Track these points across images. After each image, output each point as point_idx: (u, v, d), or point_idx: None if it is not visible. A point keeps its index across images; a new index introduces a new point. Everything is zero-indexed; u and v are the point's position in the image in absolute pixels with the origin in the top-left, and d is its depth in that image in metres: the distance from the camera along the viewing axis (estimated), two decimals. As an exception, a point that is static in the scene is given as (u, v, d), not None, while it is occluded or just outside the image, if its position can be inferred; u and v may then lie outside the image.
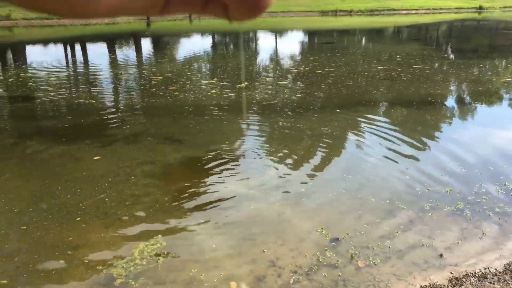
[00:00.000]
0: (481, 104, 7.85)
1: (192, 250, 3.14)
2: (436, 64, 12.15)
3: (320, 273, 2.89)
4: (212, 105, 7.48)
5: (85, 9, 0.25)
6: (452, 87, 9.39)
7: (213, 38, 22.57)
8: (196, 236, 3.34)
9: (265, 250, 3.14)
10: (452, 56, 14.78)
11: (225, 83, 9.40)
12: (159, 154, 5.11)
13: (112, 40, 20.30)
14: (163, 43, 19.94)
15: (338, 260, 3.03)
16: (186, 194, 4.07)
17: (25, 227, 3.59)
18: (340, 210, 3.78)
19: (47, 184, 4.37)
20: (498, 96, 8.49)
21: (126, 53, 15.79)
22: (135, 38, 21.97)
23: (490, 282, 2.87)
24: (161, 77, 9.89)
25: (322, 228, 3.43)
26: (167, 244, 3.21)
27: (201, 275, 2.85)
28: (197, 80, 9.81)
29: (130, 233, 3.41)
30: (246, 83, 9.26)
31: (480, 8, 47.32)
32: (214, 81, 9.60)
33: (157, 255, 3.07)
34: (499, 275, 2.94)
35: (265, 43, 20.45)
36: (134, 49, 17.30)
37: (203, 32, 24.87)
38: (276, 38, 22.29)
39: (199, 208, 3.82)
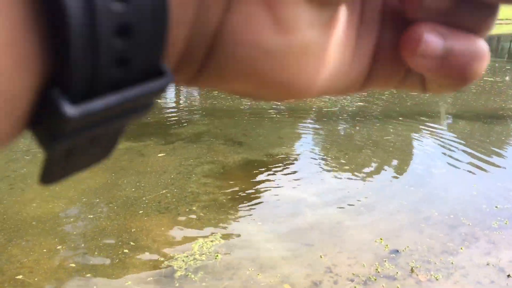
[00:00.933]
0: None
1: (249, 250, 3.19)
2: (508, 77, 11.49)
3: (378, 283, 2.83)
4: (271, 108, 7.55)
5: (298, 95, 0.24)
6: (526, 101, 8.84)
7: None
8: (252, 237, 3.39)
9: (322, 256, 3.12)
10: (526, 69, 13.89)
11: (285, 88, 9.43)
12: (219, 154, 5.24)
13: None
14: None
15: (397, 272, 2.95)
16: (244, 195, 4.13)
17: (92, 216, 3.81)
18: (401, 222, 3.68)
19: (113, 177, 4.61)
20: None
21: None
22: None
23: None
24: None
25: (381, 239, 3.36)
26: (224, 242, 3.28)
27: (257, 274, 2.88)
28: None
29: (190, 229, 3.52)
30: (306, 89, 9.24)
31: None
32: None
33: (216, 252, 3.15)
34: None
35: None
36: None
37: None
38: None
39: (256, 209, 3.86)
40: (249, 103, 7.88)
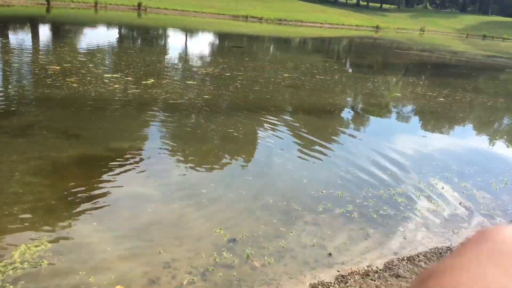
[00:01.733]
0: (374, 115, 8.54)
1: (81, 253, 2.96)
2: (336, 76, 12.96)
3: (215, 273, 2.90)
4: (115, 100, 7.16)
5: None
6: (349, 98, 10.09)
7: (120, 31, 21.63)
8: (86, 238, 3.16)
9: (161, 252, 3.07)
10: (350, 70, 15.88)
11: (130, 78, 9.05)
12: (52, 149, 4.75)
13: (5, 24, 18.46)
14: (64, 31, 18.62)
15: (234, 260, 3.08)
16: (79, 194, 3.83)
17: None
18: (239, 211, 3.84)
19: None
20: (389, 109, 9.31)
21: (21, 38, 14.46)
22: (32, 23, 20.22)
23: (371, 279, 3.12)
24: (58, 67, 9.21)
25: (220, 229, 3.46)
26: (53, 247, 2.99)
27: (89, 278, 2.70)
28: (99, 73, 9.30)
29: (10, 234, 3.11)
30: (153, 80, 9.01)
31: (377, 27, 51.56)
32: (118, 76, 9.19)
33: (41, 257, 2.84)
34: (379, 273, 3.21)
35: (175, 41, 20.11)
36: (30, 35, 15.91)
37: (109, 24, 23.69)
38: (186, 38, 22.03)
39: (92, 208, 3.62)
40: (90, 93, 7.33)
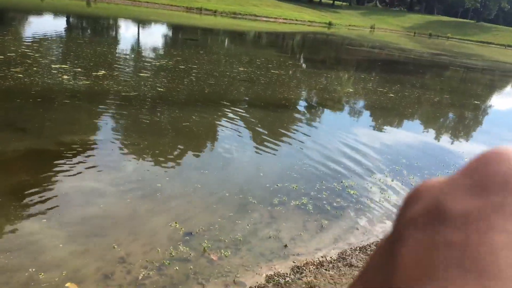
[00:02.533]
0: (327, 110, 8.73)
1: (30, 250, 2.84)
2: (291, 71, 13.12)
3: (171, 267, 2.88)
4: (63, 92, 6.87)
5: None
6: (304, 93, 10.26)
7: (68, 20, 20.74)
8: (35, 235, 3.03)
9: (115, 247, 3.00)
10: (304, 65, 16.13)
11: (79, 69, 8.72)
12: (-5, 142, 4.51)
13: None
14: (7, 19, 17.62)
15: (190, 254, 3.06)
16: (27, 189, 3.66)
17: None
18: (195, 204, 3.82)
19: None
20: (342, 104, 9.55)
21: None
22: (-30, 8, 18.95)
23: (326, 269, 3.20)
24: (2, 57, 8.72)
25: (176, 223, 3.43)
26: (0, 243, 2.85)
27: (40, 274, 2.59)
28: (46, 63, 8.89)
29: (-48, 232, 2.93)
30: (104, 72, 8.72)
31: (330, 23, 52.61)
32: (66, 66, 8.82)
33: (-14, 256, 2.70)
34: (333, 263, 3.30)
35: (127, 32, 19.55)
36: (-31, 21, 14.92)
37: (56, 13, 22.65)
38: (138, 29, 21.48)
39: (41, 204, 3.47)
40: (36, 84, 6.99)
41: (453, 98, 12.32)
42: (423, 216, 0.22)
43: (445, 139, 7.94)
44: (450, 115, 10.34)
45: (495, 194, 0.22)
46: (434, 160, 6.15)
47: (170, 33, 22.03)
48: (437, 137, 7.90)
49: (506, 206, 0.21)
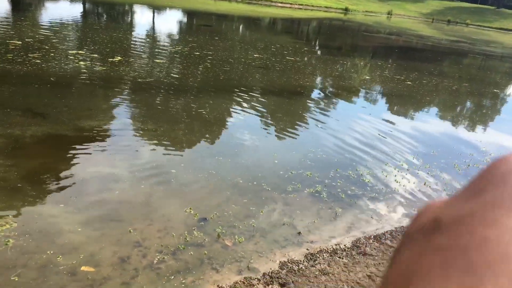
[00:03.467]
0: (343, 97, 8.65)
1: (49, 232, 2.90)
2: (306, 58, 13.00)
3: (186, 252, 2.91)
4: (80, 78, 6.93)
5: None
6: (319, 80, 10.17)
7: (84, 5, 20.82)
8: (53, 218, 3.09)
9: (131, 231, 3.05)
10: (320, 52, 15.96)
11: (95, 55, 8.77)
12: (16, 127, 4.58)
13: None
14: (24, 4, 17.76)
15: (205, 239, 3.09)
16: (45, 173, 3.72)
17: None
18: (209, 191, 3.84)
19: None
20: (358, 92, 9.44)
21: (-23, 10, 13.70)
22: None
23: (339, 257, 3.21)
24: (20, 42, 8.81)
25: (190, 209, 3.45)
26: (19, 226, 2.91)
27: (57, 257, 2.65)
28: (63, 49, 8.96)
29: (-27, 215, 3.01)
30: (120, 58, 8.77)
31: (346, 9, 51.85)
32: (83, 52, 8.88)
33: (7, 237, 2.76)
34: (347, 251, 3.30)
35: (142, 18, 19.56)
36: (-13, 7, 15.07)
37: (73, -2, 22.74)
38: (153, 14, 21.47)
39: (59, 188, 3.53)
40: (54, 70, 7.07)
41: (471, 86, 12.09)
42: (421, 229, 0.23)
43: (463, 128, 7.82)
44: (468, 103, 10.16)
45: (490, 192, 0.22)
46: (451, 149, 6.06)
47: (184, 19, 21.98)
48: (455, 126, 7.77)
49: (500, 200, 0.21)
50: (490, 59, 22.01)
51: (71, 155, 4.17)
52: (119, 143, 4.62)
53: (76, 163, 4.01)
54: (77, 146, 4.37)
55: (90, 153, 4.27)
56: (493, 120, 8.96)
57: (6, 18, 12.94)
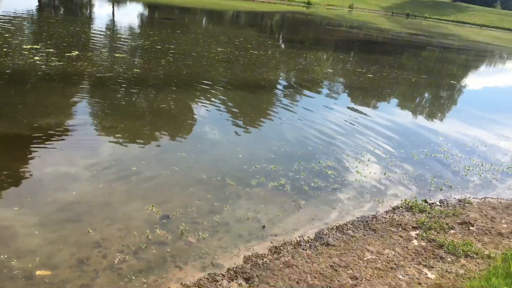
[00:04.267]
0: (308, 90, 8.71)
1: (3, 235, 2.77)
2: (270, 51, 13.01)
3: (148, 251, 2.85)
4: (36, 73, 6.66)
5: None
6: (283, 74, 10.21)
7: (40, -2, 20.00)
8: (8, 221, 2.96)
9: (90, 231, 2.96)
10: (283, 45, 16.02)
11: (52, 50, 8.45)
12: (-37, 126, 4.35)
13: None
14: (-26, -3, 16.88)
15: (168, 237, 3.04)
16: (-2, 173, 3.56)
17: None
18: (172, 187, 3.78)
19: None
20: (321, 85, 9.54)
21: None
22: None
23: (303, 249, 3.23)
24: (-31, 37, 8.37)
25: (152, 206, 3.39)
26: (-31, 231, 2.77)
27: (12, 261, 2.54)
28: (16, 43, 8.59)
29: None
30: (77, 52, 8.48)
31: (309, 3, 52.24)
32: (38, 47, 8.54)
33: (-44, 243, 2.63)
34: (310, 242, 3.33)
35: (101, 11, 19.00)
36: None
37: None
38: (113, 7, 20.90)
39: (13, 190, 3.38)
40: (7, 66, 6.75)
41: (430, 78, 12.47)
42: None
43: (421, 119, 8.05)
44: (427, 95, 10.47)
45: None
46: (410, 140, 6.23)
47: (146, 12, 21.52)
48: (414, 117, 8.00)
49: None
50: (447, 51, 22.77)
51: (27, 154, 4.00)
52: (77, 141, 4.47)
53: (32, 163, 3.85)
54: (33, 145, 4.20)
55: (47, 152, 4.11)
56: (450, 111, 9.28)
57: (-46, 11, 12.27)
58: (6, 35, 9.22)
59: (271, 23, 26.33)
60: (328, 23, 30.81)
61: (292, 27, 26.06)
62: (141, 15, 19.90)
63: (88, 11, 18.34)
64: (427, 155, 5.61)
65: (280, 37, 19.20)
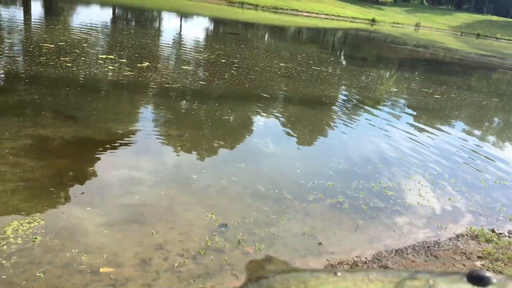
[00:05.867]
0: (369, 109, 8.57)
1: (75, 231, 2.97)
2: (332, 68, 12.97)
3: (207, 257, 2.93)
4: (109, 82, 7.10)
5: None
6: (345, 91, 10.12)
7: (114, 11, 21.33)
8: (79, 217, 3.17)
9: (153, 233, 3.09)
10: (345, 62, 15.89)
11: (124, 60, 8.97)
12: (45, 129, 4.72)
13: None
14: (57, 9, 18.33)
15: (225, 245, 3.11)
16: (71, 174, 3.82)
17: None
18: (231, 197, 3.86)
19: None
20: (384, 103, 9.35)
21: (12, 14, 14.21)
22: (25, -1, 19.83)
23: (359, 269, 3.17)
24: (53, 46, 9.09)
25: (212, 214, 3.48)
26: (46, 224, 2.99)
27: (82, 256, 2.71)
28: (93, 53, 9.21)
29: (1, 211, 3.10)
30: (147, 63, 8.94)
31: (373, 20, 51.50)
32: (112, 57, 9.10)
33: (34, 234, 2.85)
34: (368, 263, 3.26)
35: (170, 24, 19.91)
36: (22, 11, 15.63)
37: (103, 3, 23.33)
38: (181, 21, 21.82)
39: (85, 189, 3.62)
40: (84, 74, 7.26)
41: (501, 102, 11.81)
42: None
43: (492, 143, 7.63)
44: (498, 119, 9.92)
45: None
46: (478, 165, 5.93)
47: (211, 27, 22.26)
48: (483, 141, 7.60)
49: None
50: (521, 74, 21.47)
51: (98, 157, 4.26)
52: (143, 147, 4.70)
53: (103, 166, 4.10)
54: (104, 149, 4.46)
55: (116, 156, 4.36)
56: (522, 137, 8.72)
57: (40, 22, 13.38)
58: (84, 45, 9.91)
59: (334, 39, 26.23)
60: (392, 41, 30.17)
61: (355, 44, 25.80)
62: (207, 29, 20.60)
63: (158, 24, 19.27)
64: (495, 182, 5.31)
65: (343, 54, 19.06)
